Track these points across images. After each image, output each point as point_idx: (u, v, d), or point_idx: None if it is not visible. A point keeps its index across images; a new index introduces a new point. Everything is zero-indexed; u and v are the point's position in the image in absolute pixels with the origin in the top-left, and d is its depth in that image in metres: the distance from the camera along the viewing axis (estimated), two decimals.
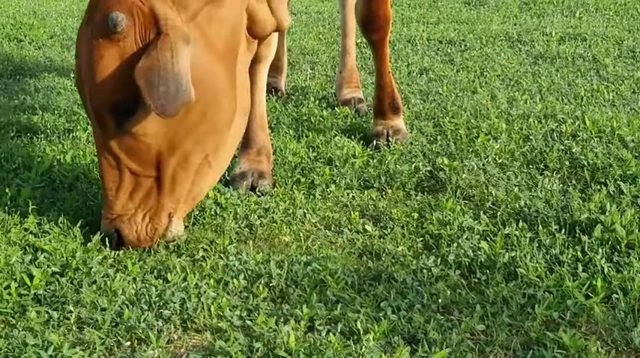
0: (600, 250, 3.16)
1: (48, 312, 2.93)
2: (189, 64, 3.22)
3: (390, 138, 4.61)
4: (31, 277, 3.09)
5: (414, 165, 4.17)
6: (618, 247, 3.22)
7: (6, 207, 3.75)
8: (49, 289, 3.08)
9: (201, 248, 3.42)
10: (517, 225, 3.42)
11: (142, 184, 3.39)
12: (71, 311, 2.92)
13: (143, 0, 3.23)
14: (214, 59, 3.41)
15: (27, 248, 3.32)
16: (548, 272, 3.06)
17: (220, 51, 3.43)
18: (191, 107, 3.29)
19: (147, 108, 3.20)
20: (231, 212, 3.69)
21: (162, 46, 3.18)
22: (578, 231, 3.36)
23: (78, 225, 3.49)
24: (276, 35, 4.27)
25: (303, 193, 3.95)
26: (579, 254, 3.16)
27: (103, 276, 3.15)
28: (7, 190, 3.91)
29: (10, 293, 3.02)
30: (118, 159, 3.36)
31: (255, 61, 4.23)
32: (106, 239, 3.41)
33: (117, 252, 3.36)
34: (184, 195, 3.46)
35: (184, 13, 3.30)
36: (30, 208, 3.70)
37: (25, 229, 3.49)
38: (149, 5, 3.23)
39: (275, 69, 5.61)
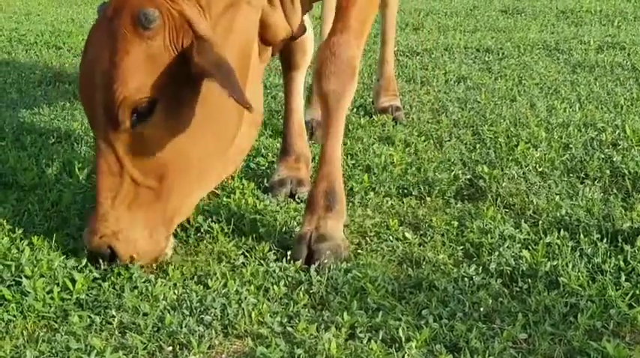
0: None
1: (90, 317, 2.95)
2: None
3: (312, 246, 3.40)
4: (73, 282, 3.10)
5: (453, 173, 4.16)
6: None
7: (48, 212, 3.80)
8: (91, 294, 3.10)
9: (242, 254, 3.42)
10: (558, 233, 3.40)
11: (141, 196, 3.20)
12: (113, 316, 2.94)
13: (172, 3, 3.12)
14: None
15: (69, 253, 3.33)
16: (590, 282, 3.04)
17: (234, 62, 3.24)
18: (205, 115, 3.21)
19: (164, 112, 3.13)
20: (270, 219, 3.69)
21: (213, 45, 3.09)
22: (620, 240, 3.33)
23: None
24: (311, 43, 4.27)
25: None
26: (622, 263, 3.13)
27: (144, 281, 3.16)
28: (48, 195, 3.96)
29: (52, 298, 3.04)
30: (121, 165, 3.17)
31: (291, 69, 4.25)
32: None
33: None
34: (179, 212, 3.35)
35: (210, 19, 3.21)
36: (71, 213, 3.74)
37: (67, 234, 3.51)
38: (179, 9, 3.12)
39: None
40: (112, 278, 3.18)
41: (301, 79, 4.33)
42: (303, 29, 3.77)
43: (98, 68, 3.13)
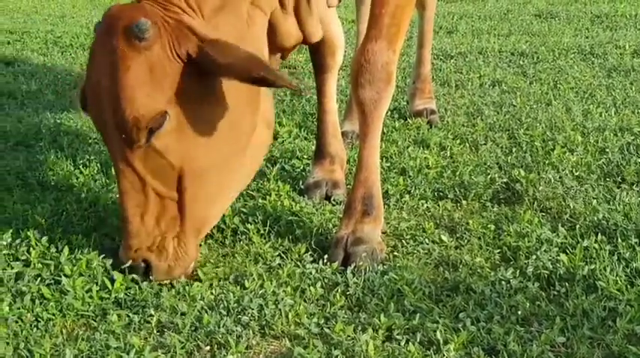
0: None
1: (129, 316, 2.98)
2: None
3: (348, 249, 3.44)
4: (112, 281, 3.13)
5: (489, 176, 4.15)
6: None
7: (85, 212, 3.82)
8: (130, 293, 3.13)
9: (278, 255, 3.44)
10: (596, 237, 3.38)
11: (167, 208, 3.19)
12: (152, 315, 2.96)
13: (165, 12, 3.10)
14: None
15: (107, 252, 3.34)
16: (628, 286, 3.02)
17: None
18: (215, 122, 3.18)
19: (176, 122, 3.08)
20: (306, 220, 3.70)
21: (225, 44, 3.08)
22: None
23: None
24: (341, 44, 4.25)
25: None
26: None
27: (181, 282, 3.18)
28: (86, 196, 3.99)
29: (91, 297, 3.07)
30: (143, 180, 3.14)
31: (322, 71, 4.24)
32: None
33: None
34: (206, 220, 3.35)
35: (208, 23, 3.18)
36: (109, 213, 3.77)
37: (105, 234, 3.54)
38: (177, 18, 3.09)
39: None
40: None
41: (333, 81, 4.33)
42: (319, 33, 3.74)
43: (103, 89, 3.07)
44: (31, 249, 3.34)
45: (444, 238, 3.54)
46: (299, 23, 3.65)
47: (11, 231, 3.49)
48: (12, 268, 3.23)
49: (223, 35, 3.18)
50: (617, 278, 3.06)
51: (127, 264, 3.18)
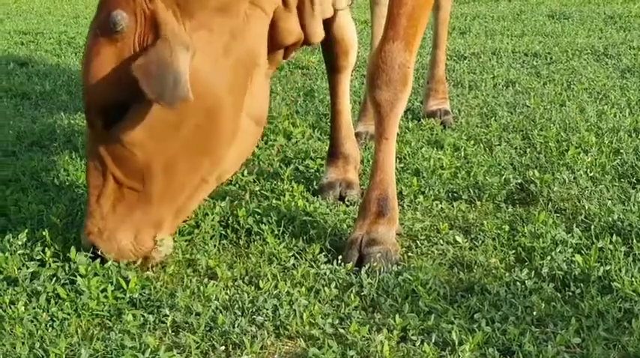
0: None
1: (144, 315, 2.98)
2: (187, 68, 3.06)
3: (362, 250, 3.41)
4: (126, 281, 3.14)
5: (503, 177, 4.14)
6: None
7: None
8: (144, 293, 3.14)
9: (292, 256, 3.44)
10: (611, 238, 3.37)
11: (126, 196, 3.23)
12: (166, 315, 2.96)
13: (148, 4, 3.11)
14: (219, 73, 3.25)
15: None
16: None
17: (229, 64, 3.27)
18: (183, 120, 3.18)
19: (136, 115, 3.12)
20: (320, 221, 3.70)
21: (161, 46, 3.06)
22: None
23: None
24: (355, 45, 4.24)
25: None
26: None
27: (196, 282, 3.19)
28: None
29: (106, 296, 3.07)
30: (104, 164, 3.21)
31: (335, 72, 4.23)
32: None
33: (208, 260, 3.40)
34: (170, 214, 3.34)
35: (189, 21, 3.17)
36: None
37: None
38: (153, 9, 3.11)
39: None
40: (165, 277, 3.21)
41: (346, 81, 4.31)
42: (321, 34, 3.69)
43: (82, 70, 3.23)
44: (47, 248, 3.35)
45: (458, 239, 3.54)
46: (301, 23, 3.61)
47: (26, 231, 3.49)
48: (27, 268, 3.24)
49: (216, 36, 3.22)
50: (633, 279, 3.05)
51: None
